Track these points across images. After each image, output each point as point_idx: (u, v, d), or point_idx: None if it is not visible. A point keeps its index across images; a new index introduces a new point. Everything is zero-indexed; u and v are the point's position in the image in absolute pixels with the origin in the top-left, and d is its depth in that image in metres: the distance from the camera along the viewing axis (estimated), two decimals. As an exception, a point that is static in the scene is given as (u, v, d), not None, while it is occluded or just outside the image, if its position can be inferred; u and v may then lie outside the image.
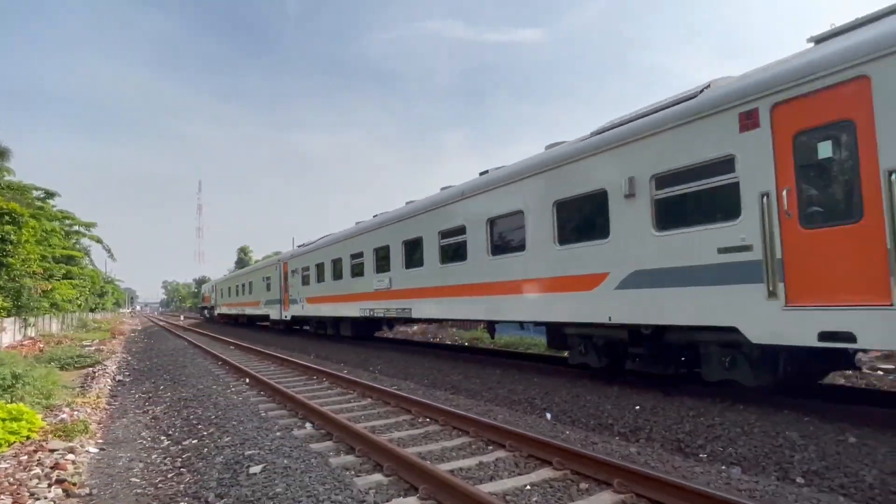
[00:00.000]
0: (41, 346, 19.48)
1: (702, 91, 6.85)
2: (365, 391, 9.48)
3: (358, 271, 16.21)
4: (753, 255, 5.95)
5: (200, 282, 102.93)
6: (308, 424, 7.26)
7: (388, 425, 7.18)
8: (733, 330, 6.17)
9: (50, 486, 4.98)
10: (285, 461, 5.24)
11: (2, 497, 4.60)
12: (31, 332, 23.44)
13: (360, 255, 16.03)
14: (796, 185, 5.69)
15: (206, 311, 53.49)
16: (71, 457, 5.91)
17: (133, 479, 5.45)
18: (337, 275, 17.82)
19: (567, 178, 8.59)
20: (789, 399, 6.66)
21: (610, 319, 7.76)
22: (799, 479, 4.88)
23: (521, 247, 9.56)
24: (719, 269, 6.32)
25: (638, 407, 7.13)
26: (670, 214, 7.02)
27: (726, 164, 6.28)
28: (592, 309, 8.05)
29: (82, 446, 6.44)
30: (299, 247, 23.76)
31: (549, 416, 7.61)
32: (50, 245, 26.38)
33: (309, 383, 11.05)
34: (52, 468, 5.45)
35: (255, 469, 5.08)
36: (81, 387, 11.24)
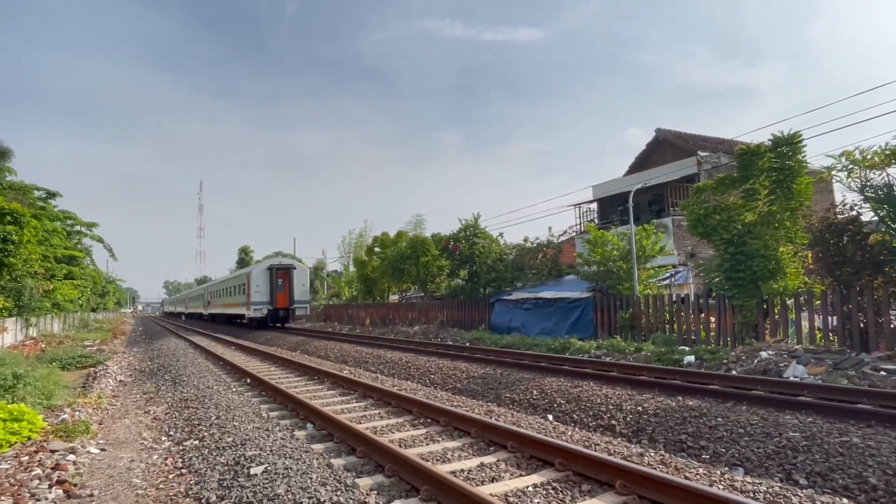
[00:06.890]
0: (42, 346, 19.46)
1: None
2: (366, 391, 9.47)
3: (203, 298, 49.67)
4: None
5: (201, 281, 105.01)
6: (309, 425, 7.25)
7: (390, 426, 7.17)
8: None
9: (51, 486, 4.96)
10: (286, 462, 5.23)
11: (3, 498, 4.59)
12: (32, 332, 23.45)
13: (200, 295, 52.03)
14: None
15: (163, 312, 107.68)
16: (72, 457, 5.89)
17: (134, 480, 5.44)
18: (201, 299, 49.21)
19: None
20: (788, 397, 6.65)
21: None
22: (802, 481, 4.86)
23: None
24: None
25: (640, 408, 7.11)
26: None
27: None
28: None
29: (83, 447, 6.42)
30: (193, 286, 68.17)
31: (550, 417, 7.59)
32: (51, 245, 26.40)
33: (310, 384, 11.05)
34: (52, 469, 5.44)
35: (257, 470, 5.07)
36: (83, 387, 11.24)
